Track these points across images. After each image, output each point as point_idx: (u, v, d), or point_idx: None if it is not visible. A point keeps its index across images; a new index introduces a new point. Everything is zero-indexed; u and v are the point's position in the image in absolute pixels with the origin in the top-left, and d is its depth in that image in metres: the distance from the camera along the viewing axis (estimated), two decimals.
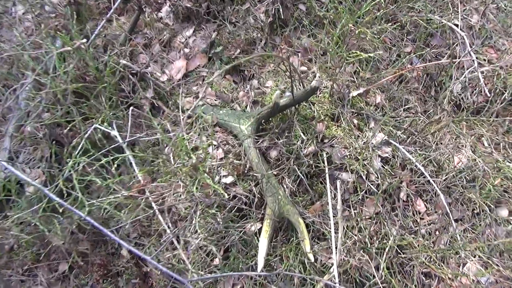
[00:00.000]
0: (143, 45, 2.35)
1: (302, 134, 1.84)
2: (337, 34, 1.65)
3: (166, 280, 1.79)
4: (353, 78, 2.10)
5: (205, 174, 1.53)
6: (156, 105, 2.16)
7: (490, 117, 2.10)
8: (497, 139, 2.09)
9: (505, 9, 2.41)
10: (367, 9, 1.64)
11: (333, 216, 1.72)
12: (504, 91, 2.08)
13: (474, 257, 1.79)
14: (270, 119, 1.93)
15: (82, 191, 1.51)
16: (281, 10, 2.27)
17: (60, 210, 1.52)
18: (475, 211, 1.91)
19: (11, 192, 1.77)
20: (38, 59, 2.05)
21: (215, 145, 1.99)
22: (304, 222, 1.72)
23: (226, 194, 1.52)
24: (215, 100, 2.17)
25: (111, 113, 1.84)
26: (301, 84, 1.94)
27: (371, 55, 1.59)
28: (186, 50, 2.34)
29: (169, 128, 1.76)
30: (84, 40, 1.66)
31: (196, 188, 1.52)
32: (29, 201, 1.74)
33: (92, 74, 1.96)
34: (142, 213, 1.68)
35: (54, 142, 1.92)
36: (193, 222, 1.72)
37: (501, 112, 2.15)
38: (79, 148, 1.67)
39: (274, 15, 2.28)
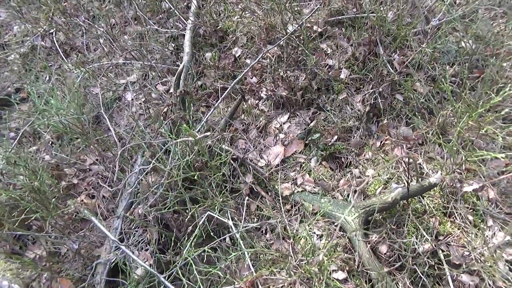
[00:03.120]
0: (241, 130, 2.46)
1: (421, 230, 1.75)
2: (458, 130, 1.63)
3: None
4: (460, 171, 2.03)
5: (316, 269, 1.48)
6: (255, 190, 2.19)
7: None
8: None
9: None
10: (488, 107, 1.63)
11: None
12: None
13: None
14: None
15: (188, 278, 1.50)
16: (378, 99, 2.32)
17: None
18: None
19: (119, 274, 1.80)
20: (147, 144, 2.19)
21: (318, 235, 1.95)
22: None
23: None
24: (314, 188, 2.16)
25: (221, 200, 1.87)
26: (407, 176, 1.90)
27: (499, 156, 1.53)
28: (281, 136, 2.41)
29: (285, 220, 1.75)
30: (208, 133, 1.74)
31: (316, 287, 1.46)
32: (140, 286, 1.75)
33: (200, 160, 2.04)
34: None
35: (162, 225, 1.96)
36: None
37: None
38: (194, 235, 1.69)
39: (371, 104, 2.33)
